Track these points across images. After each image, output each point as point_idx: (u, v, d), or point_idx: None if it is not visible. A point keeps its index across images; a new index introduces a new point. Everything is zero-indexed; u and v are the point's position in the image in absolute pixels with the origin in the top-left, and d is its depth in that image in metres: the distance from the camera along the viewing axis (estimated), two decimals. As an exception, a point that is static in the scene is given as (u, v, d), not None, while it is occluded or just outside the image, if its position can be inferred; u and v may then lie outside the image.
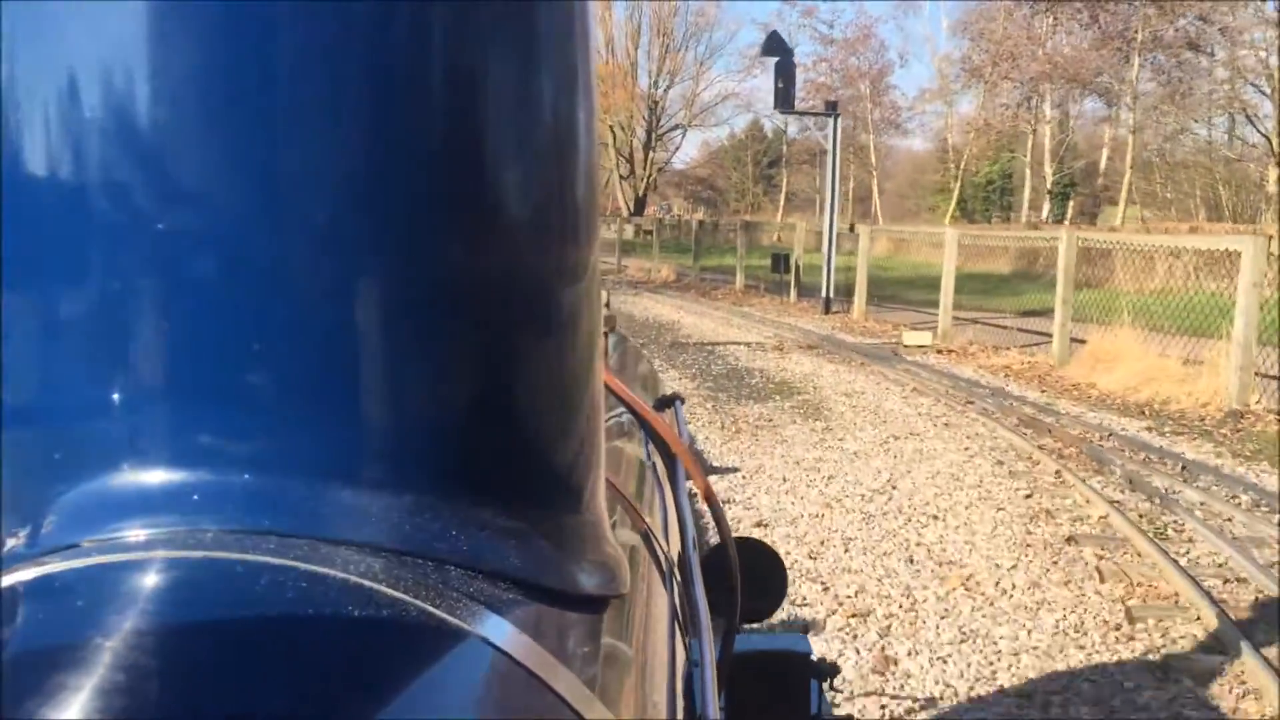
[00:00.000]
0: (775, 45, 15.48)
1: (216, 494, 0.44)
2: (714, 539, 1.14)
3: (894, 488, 5.81)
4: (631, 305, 17.50)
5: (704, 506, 1.14)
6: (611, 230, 31.75)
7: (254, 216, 0.43)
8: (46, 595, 0.40)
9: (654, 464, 1.26)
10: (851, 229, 16.61)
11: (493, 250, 0.49)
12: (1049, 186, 45.80)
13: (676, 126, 58.56)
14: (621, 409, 1.27)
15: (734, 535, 1.04)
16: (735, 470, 6.17)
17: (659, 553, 0.92)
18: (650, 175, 56.02)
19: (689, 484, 1.20)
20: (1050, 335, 10.60)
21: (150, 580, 0.40)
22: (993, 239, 13.40)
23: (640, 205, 53.80)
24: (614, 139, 54.19)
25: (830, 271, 15.63)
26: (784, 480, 5.96)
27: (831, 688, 2.84)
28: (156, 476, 0.44)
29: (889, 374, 9.88)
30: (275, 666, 0.37)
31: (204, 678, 0.36)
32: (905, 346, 11.78)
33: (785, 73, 15.37)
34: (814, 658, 1.45)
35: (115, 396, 0.44)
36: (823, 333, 13.32)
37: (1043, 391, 8.93)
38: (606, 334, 1.90)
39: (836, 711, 2.83)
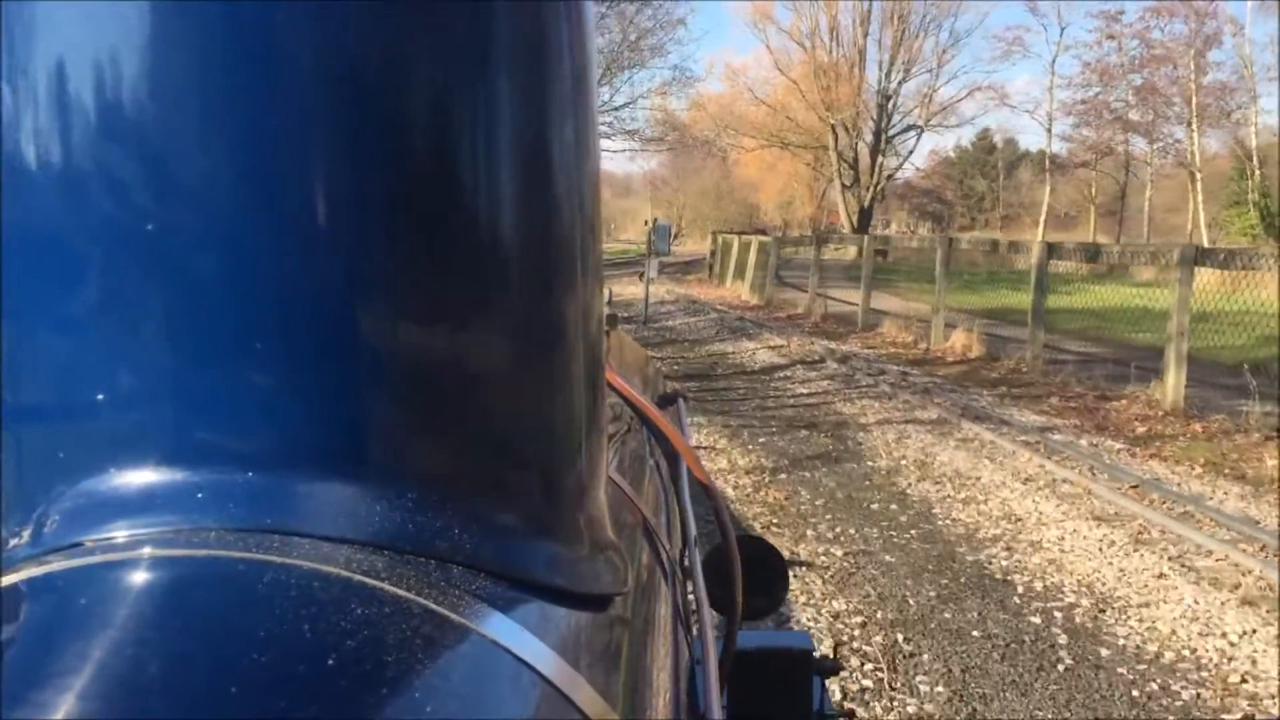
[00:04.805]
0: None
1: (219, 492, 0.44)
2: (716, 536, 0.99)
3: None
4: (912, 482, 5.55)
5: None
6: (832, 248, 20.07)
7: (254, 214, 0.44)
8: (49, 595, 0.40)
9: (656, 462, 1.26)
10: None
11: (493, 251, 0.49)
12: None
13: (910, 127, 46.04)
14: (624, 407, 1.24)
15: (736, 533, 1.04)
16: None
17: (661, 550, 0.93)
18: (878, 184, 43.73)
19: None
20: None
21: (152, 580, 0.40)
22: None
23: (866, 219, 41.75)
24: (835, 141, 42.44)
25: None
26: None
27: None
28: (159, 475, 0.44)
29: None
30: (278, 665, 0.37)
31: (207, 677, 0.36)
32: None
33: None
34: (816, 654, 1.47)
35: (118, 395, 0.44)
36: None
37: None
38: (608, 332, 1.78)
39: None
